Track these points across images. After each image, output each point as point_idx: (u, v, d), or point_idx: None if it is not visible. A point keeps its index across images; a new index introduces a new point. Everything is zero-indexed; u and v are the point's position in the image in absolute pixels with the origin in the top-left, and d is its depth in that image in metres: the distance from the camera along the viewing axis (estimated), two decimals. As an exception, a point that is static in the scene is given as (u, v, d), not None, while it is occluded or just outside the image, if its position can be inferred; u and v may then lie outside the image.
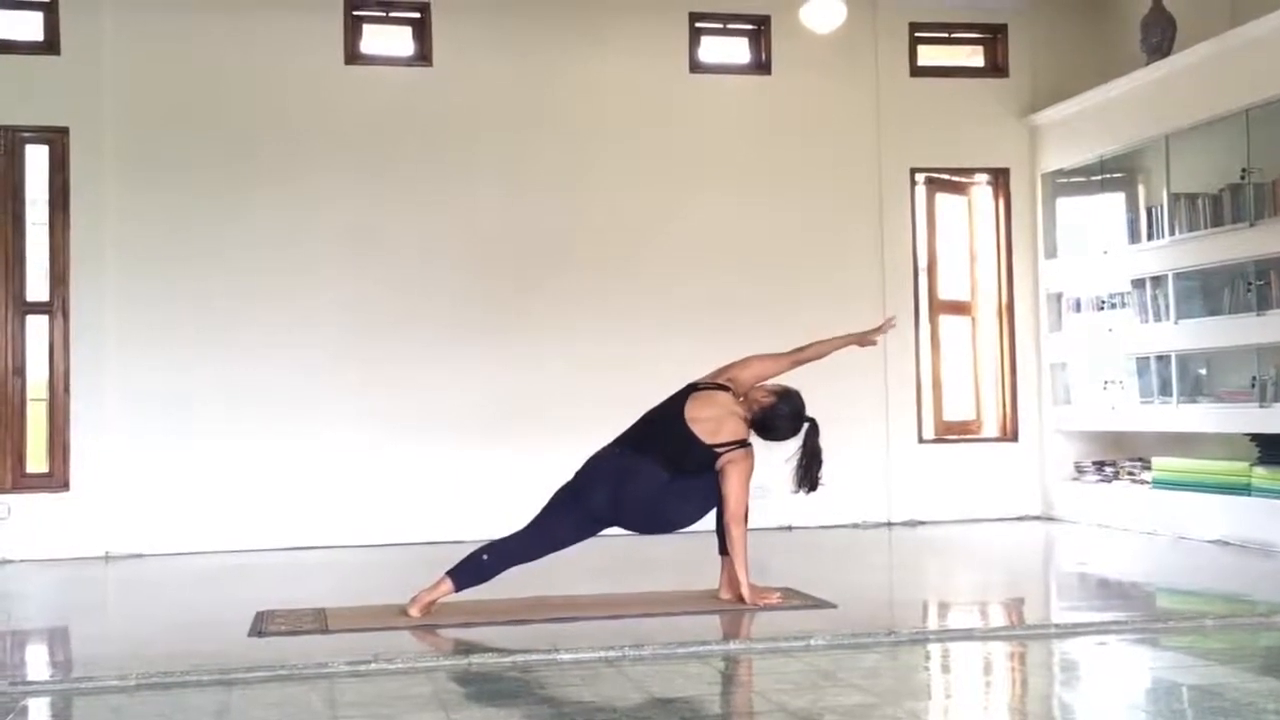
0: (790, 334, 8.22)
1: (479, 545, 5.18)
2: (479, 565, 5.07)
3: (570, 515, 5.13)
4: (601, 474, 5.14)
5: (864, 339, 5.54)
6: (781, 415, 5.20)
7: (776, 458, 5.25)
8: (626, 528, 5.22)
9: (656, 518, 5.18)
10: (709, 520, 5.25)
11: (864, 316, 8.55)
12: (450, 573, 5.06)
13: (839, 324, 8.37)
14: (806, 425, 5.22)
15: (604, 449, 5.24)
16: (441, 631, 4.78)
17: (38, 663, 4.96)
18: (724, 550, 5.28)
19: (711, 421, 5.13)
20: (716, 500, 5.17)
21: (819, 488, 5.24)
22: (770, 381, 5.28)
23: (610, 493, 5.08)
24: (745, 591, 5.17)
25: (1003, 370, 8.93)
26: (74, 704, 3.90)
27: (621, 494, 5.08)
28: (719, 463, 5.13)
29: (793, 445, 5.22)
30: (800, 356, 5.36)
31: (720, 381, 5.26)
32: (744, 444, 5.16)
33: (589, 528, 5.17)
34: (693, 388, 5.27)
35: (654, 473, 5.09)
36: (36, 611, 6.17)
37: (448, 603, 5.13)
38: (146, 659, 4.27)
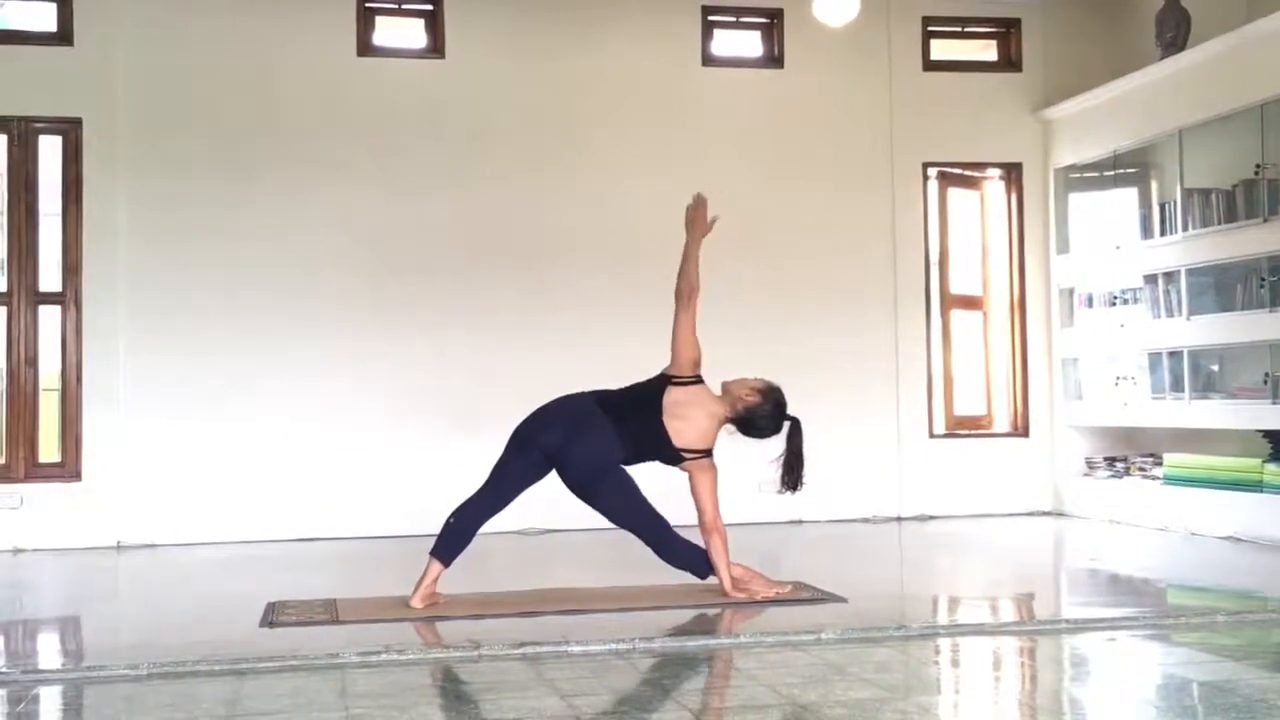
0: (801, 329, 8.37)
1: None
2: (451, 532, 5.12)
3: (527, 456, 5.13)
4: (561, 417, 5.14)
5: (700, 229, 5.33)
6: (764, 414, 5.16)
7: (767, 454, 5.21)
8: (561, 475, 5.15)
9: (588, 486, 5.13)
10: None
11: (875, 311, 8.60)
12: (432, 552, 5.10)
13: (849, 319, 8.54)
14: (789, 424, 5.19)
15: (579, 394, 5.23)
16: (451, 623, 4.78)
17: (50, 652, 4.98)
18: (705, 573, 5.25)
19: (679, 419, 5.12)
20: (640, 527, 5.17)
21: (801, 488, 5.21)
22: (753, 378, 5.22)
23: (562, 436, 5.08)
24: (726, 586, 5.17)
25: (1014, 365, 8.91)
26: (85, 693, 3.90)
27: (572, 443, 5.07)
28: (682, 465, 5.16)
29: (776, 446, 5.18)
30: (686, 294, 5.18)
31: (695, 375, 5.18)
32: (709, 453, 5.17)
33: (544, 466, 5.16)
34: (667, 379, 5.20)
35: (612, 446, 5.10)
36: (48, 601, 6.21)
37: (457, 594, 5.15)
38: (158, 648, 4.29)
